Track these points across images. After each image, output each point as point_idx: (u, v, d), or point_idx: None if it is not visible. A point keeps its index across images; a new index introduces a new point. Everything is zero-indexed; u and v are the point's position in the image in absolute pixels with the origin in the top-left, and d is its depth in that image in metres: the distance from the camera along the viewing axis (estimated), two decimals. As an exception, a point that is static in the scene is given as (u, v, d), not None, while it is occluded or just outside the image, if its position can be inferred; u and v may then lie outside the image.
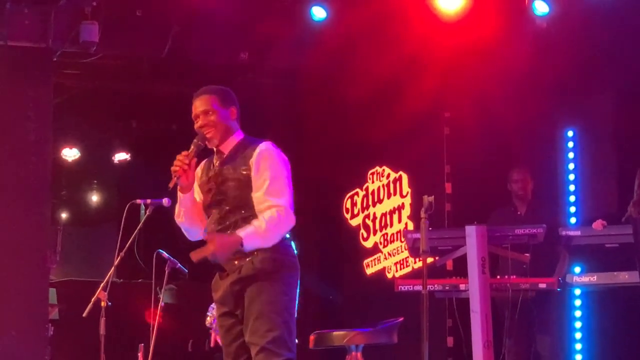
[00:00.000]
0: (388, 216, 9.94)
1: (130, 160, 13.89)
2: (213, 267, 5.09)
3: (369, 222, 10.20)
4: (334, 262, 10.71)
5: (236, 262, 4.97)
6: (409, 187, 9.70)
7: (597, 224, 7.24)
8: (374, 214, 10.14)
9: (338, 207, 10.59)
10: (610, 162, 8.57)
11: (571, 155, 8.79)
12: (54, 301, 10.48)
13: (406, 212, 9.71)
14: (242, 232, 4.88)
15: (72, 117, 11.73)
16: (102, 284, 6.50)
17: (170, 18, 9.29)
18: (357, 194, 10.42)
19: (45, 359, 9.18)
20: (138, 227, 6.56)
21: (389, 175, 10.01)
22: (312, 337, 7.22)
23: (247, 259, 4.96)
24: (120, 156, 13.92)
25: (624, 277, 7.04)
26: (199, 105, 5.13)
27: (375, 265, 10.04)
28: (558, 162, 8.86)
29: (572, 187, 8.74)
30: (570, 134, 8.83)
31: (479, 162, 8.89)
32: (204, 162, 5.24)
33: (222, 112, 5.12)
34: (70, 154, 13.72)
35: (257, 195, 4.98)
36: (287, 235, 5.18)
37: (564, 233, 7.31)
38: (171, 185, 5.05)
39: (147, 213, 6.58)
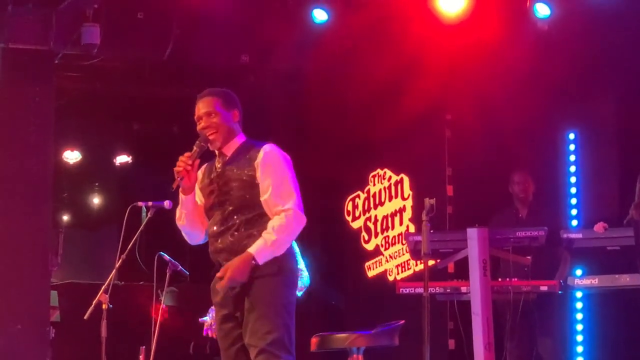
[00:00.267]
0: (389, 219, 9.94)
1: (132, 162, 13.89)
2: (214, 270, 5.09)
3: (371, 225, 10.20)
4: (335, 264, 10.71)
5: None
6: (411, 189, 9.70)
7: (599, 227, 7.23)
8: (376, 216, 10.14)
9: (339, 209, 10.59)
10: (612, 164, 8.57)
11: (572, 157, 8.80)
12: (55, 304, 10.49)
13: (407, 214, 9.71)
14: (253, 249, 4.90)
15: (73, 119, 11.74)
16: (103, 287, 6.49)
17: (172, 20, 9.29)
18: (358, 196, 10.42)
19: (47, 361, 9.19)
20: (139, 230, 6.56)
21: (390, 177, 10.01)
22: (313, 340, 7.22)
23: (247, 261, 4.97)
24: (122, 158, 13.93)
25: (625, 280, 7.04)
26: (201, 107, 5.14)
27: (376, 267, 10.04)
28: (559, 165, 8.86)
29: (573, 190, 8.74)
30: (571, 136, 8.83)
31: (480, 164, 8.89)
32: (205, 165, 5.24)
33: (224, 114, 5.13)
34: (72, 156, 13.72)
35: (265, 199, 4.99)
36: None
37: (565, 235, 7.31)
38: (174, 186, 5.07)
39: (149, 215, 6.58)
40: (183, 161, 5.04)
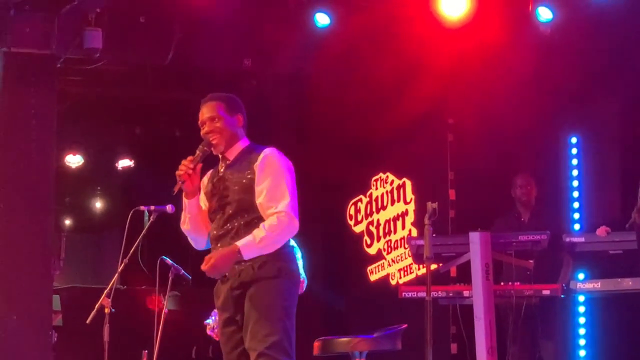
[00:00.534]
0: (392, 223, 9.94)
1: (134, 166, 13.89)
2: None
3: (373, 229, 10.19)
4: (337, 268, 10.70)
5: (236, 267, 4.98)
6: (413, 193, 9.70)
7: (601, 231, 7.24)
8: (378, 220, 10.14)
9: (341, 213, 10.59)
10: (614, 168, 8.57)
11: (575, 161, 8.79)
12: (57, 308, 10.48)
13: (410, 218, 9.70)
14: (240, 242, 4.91)
15: (75, 123, 11.74)
16: (105, 291, 6.50)
17: (174, 24, 9.28)
18: (360, 200, 10.42)
19: (49, 365, 9.18)
20: (142, 234, 6.57)
21: (392, 181, 10.01)
22: (316, 344, 7.22)
23: (248, 264, 4.97)
24: (124, 163, 13.92)
25: (627, 284, 7.05)
26: (205, 111, 5.16)
27: (379, 271, 10.03)
28: (562, 169, 8.86)
29: (575, 194, 8.73)
30: (574, 140, 8.83)
31: (482, 168, 8.89)
32: (210, 171, 5.26)
33: (228, 119, 5.14)
34: (74, 160, 13.71)
35: (260, 202, 5.00)
36: (291, 242, 5.19)
37: (567, 239, 7.31)
38: (175, 189, 5.08)
39: (151, 219, 6.59)
40: (185, 165, 5.07)
